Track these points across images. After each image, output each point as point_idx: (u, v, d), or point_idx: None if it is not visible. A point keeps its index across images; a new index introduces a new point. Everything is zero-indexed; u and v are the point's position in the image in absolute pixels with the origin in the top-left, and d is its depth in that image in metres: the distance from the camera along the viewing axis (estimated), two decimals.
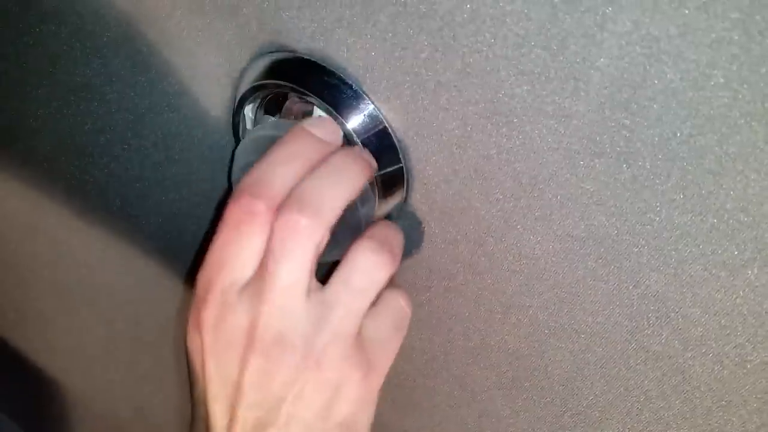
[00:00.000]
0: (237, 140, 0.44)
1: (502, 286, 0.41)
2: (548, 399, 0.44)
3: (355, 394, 0.36)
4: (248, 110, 0.41)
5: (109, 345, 0.82)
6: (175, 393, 0.79)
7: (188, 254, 0.59)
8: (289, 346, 0.34)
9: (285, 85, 0.38)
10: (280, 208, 0.34)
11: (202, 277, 0.36)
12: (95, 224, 0.65)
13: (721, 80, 0.27)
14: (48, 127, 0.58)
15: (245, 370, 0.35)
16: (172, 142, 0.49)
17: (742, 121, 0.28)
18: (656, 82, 0.29)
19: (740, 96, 0.27)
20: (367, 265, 0.35)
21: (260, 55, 0.39)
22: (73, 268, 0.74)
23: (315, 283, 0.35)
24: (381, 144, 0.38)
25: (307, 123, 0.37)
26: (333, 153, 0.37)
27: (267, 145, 0.36)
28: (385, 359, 0.37)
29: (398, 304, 0.38)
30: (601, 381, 0.41)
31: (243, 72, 0.41)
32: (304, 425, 0.35)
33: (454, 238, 0.41)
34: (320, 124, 0.37)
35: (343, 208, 0.35)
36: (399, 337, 0.38)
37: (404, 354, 0.50)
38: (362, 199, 0.37)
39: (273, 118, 0.42)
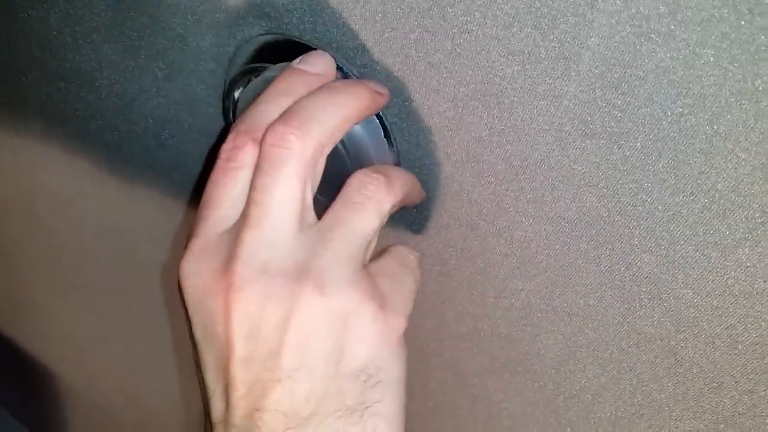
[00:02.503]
0: (227, 124, 0.43)
1: (494, 270, 0.41)
2: (541, 383, 0.44)
3: (371, 332, 0.30)
4: (238, 94, 0.41)
5: (101, 333, 0.82)
6: (166, 381, 0.79)
7: (181, 239, 0.59)
8: (278, 273, 0.29)
9: (275, 68, 0.38)
10: None
11: (191, 228, 0.33)
12: (87, 211, 0.65)
13: (711, 59, 0.27)
14: (38, 114, 0.57)
15: (230, 317, 0.29)
16: (162, 128, 0.49)
17: (733, 100, 0.28)
18: (647, 61, 0.28)
19: (730, 74, 0.27)
20: (365, 185, 0.32)
21: (250, 38, 0.39)
22: (65, 255, 0.74)
23: (312, 215, 0.32)
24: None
25: (296, 61, 0.35)
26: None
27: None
28: (400, 297, 0.33)
29: (398, 249, 0.36)
30: (593, 364, 0.41)
31: (233, 55, 0.40)
32: (313, 375, 0.29)
33: (447, 222, 0.41)
34: (310, 60, 0.35)
35: (339, 130, 0.32)
36: (409, 275, 0.35)
37: None
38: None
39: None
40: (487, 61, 0.32)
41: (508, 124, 0.34)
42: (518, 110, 0.33)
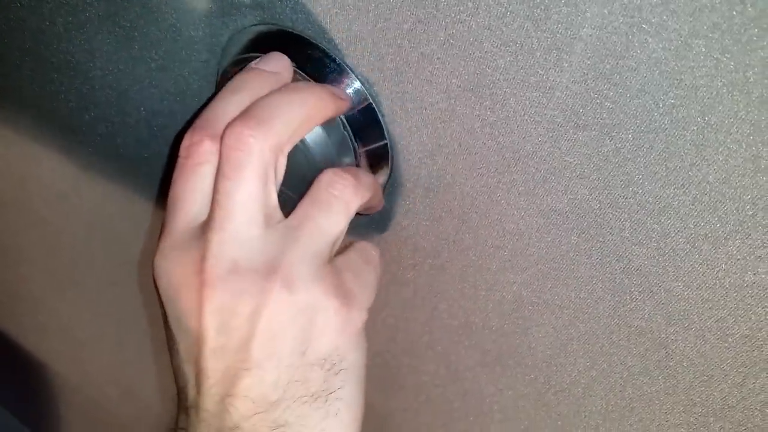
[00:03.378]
0: None
1: (486, 263, 0.41)
2: (532, 376, 0.44)
3: (335, 325, 0.32)
4: None
5: (96, 328, 0.82)
6: (160, 375, 0.79)
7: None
8: (248, 270, 0.30)
9: None
10: None
11: (162, 225, 0.33)
12: (81, 205, 0.64)
13: (703, 49, 0.27)
14: (32, 106, 0.57)
15: (202, 312, 0.30)
16: (155, 119, 0.48)
17: (724, 91, 0.28)
18: (639, 52, 0.28)
19: (722, 65, 0.27)
20: (332, 184, 0.33)
21: (243, 28, 0.39)
22: (60, 249, 0.74)
23: (278, 213, 0.32)
24: (365, 120, 0.38)
25: (253, 62, 0.36)
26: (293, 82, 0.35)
27: None
28: (363, 292, 0.34)
29: (362, 245, 0.37)
30: (584, 357, 0.41)
31: (226, 46, 0.40)
32: (280, 365, 0.31)
33: (439, 215, 0.41)
34: (267, 60, 0.36)
35: (299, 129, 0.33)
36: (372, 271, 0.36)
37: (388, 333, 0.50)
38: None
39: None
40: (480, 52, 0.32)
41: (501, 116, 0.34)
42: (510, 102, 0.33)
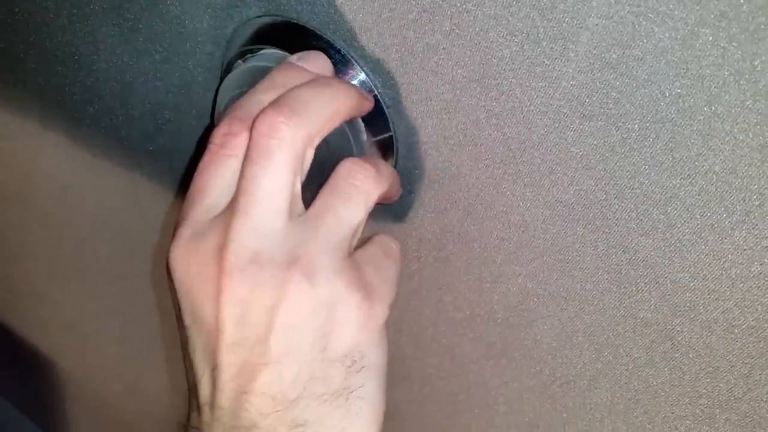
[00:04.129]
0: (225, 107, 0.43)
1: (491, 255, 0.41)
2: (537, 369, 0.44)
3: (356, 319, 0.31)
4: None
5: (101, 322, 0.82)
6: (165, 369, 0.79)
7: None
8: (268, 261, 0.30)
9: (263, 56, 0.38)
10: None
11: (180, 213, 0.33)
12: (85, 197, 0.64)
13: (710, 38, 0.27)
14: (36, 99, 0.57)
15: (220, 302, 0.30)
16: (160, 112, 0.48)
17: (731, 80, 0.27)
18: (645, 41, 0.28)
19: (729, 54, 0.27)
20: (353, 174, 0.33)
21: (248, 20, 0.39)
22: (64, 242, 0.74)
23: (300, 205, 0.32)
24: (370, 111, 0.38)
25: (294, 56, 0.36)
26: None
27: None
28: (384, 286, 0.33)
29: (382, 238, 0.37)
30: (589, 349, 0.40)
31: (230, 38, 0.40)
32: (299, 360, 0.30)
33: (444, 206, 0.40)
34: (308, 57, 0.36)
35: (329, 122, 0.32)
36: (392, 264, 0.35)
37: (393, 325, 0.50)
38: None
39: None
40: (486, 42, 0.32)
41: (506, 107, 0.34)
42: (516, 92, 0.33)
